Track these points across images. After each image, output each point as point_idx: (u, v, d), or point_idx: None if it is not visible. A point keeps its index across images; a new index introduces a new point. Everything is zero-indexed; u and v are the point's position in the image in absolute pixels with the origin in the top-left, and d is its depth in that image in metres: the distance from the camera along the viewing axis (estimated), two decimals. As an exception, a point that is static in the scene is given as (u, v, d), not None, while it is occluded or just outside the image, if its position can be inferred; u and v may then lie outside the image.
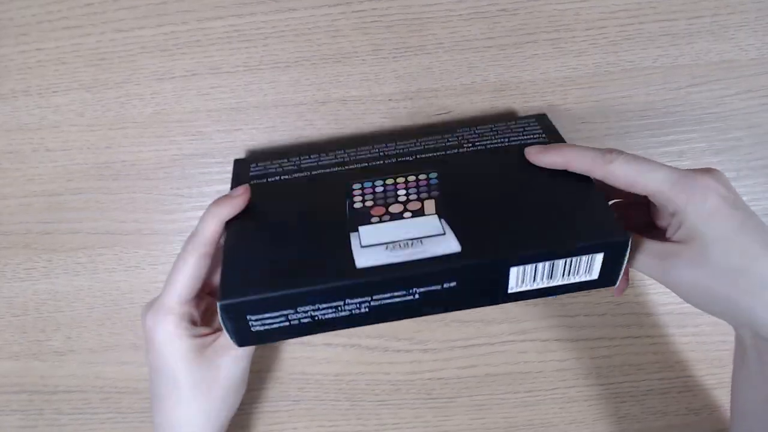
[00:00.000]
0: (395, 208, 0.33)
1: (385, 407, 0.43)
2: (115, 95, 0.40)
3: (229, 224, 0.33)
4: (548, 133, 0.36)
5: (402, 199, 0.33)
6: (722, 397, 0.43)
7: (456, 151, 0.36)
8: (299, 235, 0.32)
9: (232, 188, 0.35)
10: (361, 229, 0.32)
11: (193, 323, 0.33)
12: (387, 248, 0.31)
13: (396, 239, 0.31)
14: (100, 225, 0.41)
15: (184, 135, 0.40)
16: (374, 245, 0.31)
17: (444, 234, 0.31)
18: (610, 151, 0.31)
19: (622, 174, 0.30)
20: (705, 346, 0.43)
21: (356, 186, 0.34)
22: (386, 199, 0.33)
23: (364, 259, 0.30)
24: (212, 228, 0.32)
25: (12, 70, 0.40)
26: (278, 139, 0.40)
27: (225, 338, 0.32)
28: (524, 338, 0.42)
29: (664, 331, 0.42)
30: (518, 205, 0.32)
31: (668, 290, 0.42)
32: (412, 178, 0.34)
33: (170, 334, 0.32)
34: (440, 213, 0.32)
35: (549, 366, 0.43)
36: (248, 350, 0.34)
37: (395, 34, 0.39)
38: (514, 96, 0.40)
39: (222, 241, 0.33)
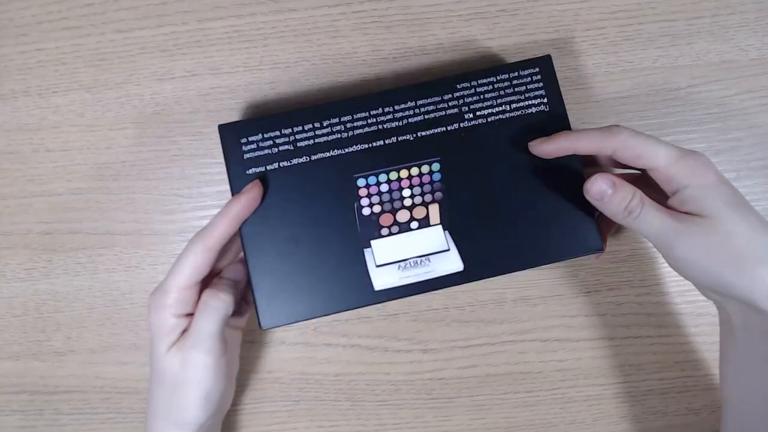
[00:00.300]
0: (402, 216, 0.35)
1: (385, 407, 0.43)
2: (115, 95, 0.40)
3: (247, 233, 0.34)
4: (549, 92, 0.35)
5: (408, 203, 0.35)
6: (722, 397, 0.43)
7: (456, 125, 0.35)
8: (316, 252, 0.34)
9: (226, 163, 0.34)
10: (373, 244, 0.34)
11: (186, 308, 0.34)
12: (399, 268, 0.34)
13: (407, 257, 0.35)
14: (100, 225, 0.41)
15: (184, 135, 0.40)
16: (388, 264, 0.34)
17: (448, 250, 0.34)
18: (615, 126, 0.32)
19: (630, 146, 0.31)
20: (705, 346, 0.43)
21: (361, 182, 0.35)
22: (392, 202, 0.35)
23: (380, 281, 0.34)
24: (223, 228, 0.33)
25: (12, 71, 0.40)
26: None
27: (193, 335, 0.33)
28: (524, 338, 0.42)
29: (664, 331, 0.42)
30: (514, 212, 0.35)
31: (669, 291, 0.42)
32: (415, 171, 0.35)
33: (160, 313, 0.33)
34: (444, 222, 0.35)
35: (549, 366, 0.43)
36: (214, 360, 0.33)
37: (395, 35, 0.39)
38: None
39: (241, 248, 0.35)
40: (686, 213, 0.30)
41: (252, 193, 0.34)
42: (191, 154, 0.41)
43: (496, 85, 0.35)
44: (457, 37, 0.39)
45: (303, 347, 0.42)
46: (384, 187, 0.35)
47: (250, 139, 0.35)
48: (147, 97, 0.40)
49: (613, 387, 0.43)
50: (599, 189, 0.31)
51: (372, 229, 0.35)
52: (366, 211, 0.34)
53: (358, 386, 0.43)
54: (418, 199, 0.35)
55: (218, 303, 0.33)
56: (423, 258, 0.34)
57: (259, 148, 0.35)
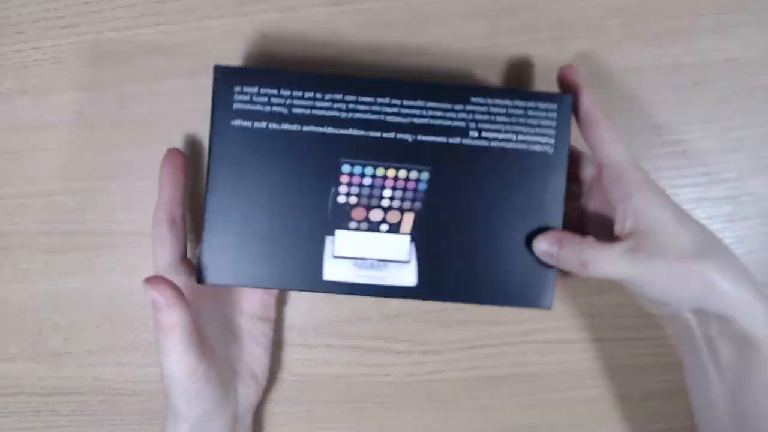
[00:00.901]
0: (375, 215, 0.34)
1: (385, 409, 0.43)
2: (113, 94, 0.40)
3: (214, 185, 0.33)
4: (560, 134, 0.34)
5: (385, 203, 0.34)
6: (725, 398, 0.43)
7: (459, 141, 0.34)
8: (278, 224, 0.33)
9: (212, 108, 0.33)
10: (337, 234, 0.33)
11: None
12: (355, 264, 0.33)
13: (365, 257, 0.33)
14: (98, 225, 0.41)
15: (184, 135, 0.40)
16: (345, 258, 0.33)
17: (408, 262, 0.33)
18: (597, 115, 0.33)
19: (605, 129, 0.32)
20: (708, 348, 0.43)
21: (346, 168, 0.33)
22: (370, 198, 0.34)
23: (332, 271, 0.33)
24: (165, 194, 0.35)
25: (8, 69, 0.39)
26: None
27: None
28: (525, 340, 0.42)
29: (665, 332, 0.42)
30: (483, 246, 0.34)
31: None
32: (403, 174, 0.34)
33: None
34: (414, 234, 0.34)
35: (550, 368, 0.43)
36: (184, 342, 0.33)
37: (395, 35, 0.39)
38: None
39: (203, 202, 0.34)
40: (632, 235, 0.31)
41: (172, 159, 0.35)
42: (191, 155, 0.40)
43: (509, 110, 0.34)
44: (457, 37, 0.39)
45: (303, 349, 0.42)
46: (367, 181, 0.34)
47: (245, 89, 0.33)
48: (145, 96, 0.40)
49: (614, 389, 0.43)
50: (544, 249, 0.32)
51: (341, 219, 0.33)
52: (341, 199, 0.33)
53: (358, 388, 0.43)
54: (396, 203, 0.34)
55: (172, 325, 0.32)
56: (381, 262, 0.33)
57: (251, 102, 0.33)
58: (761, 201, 0.41)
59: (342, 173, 0.33)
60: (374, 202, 0.34)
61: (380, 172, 0.33)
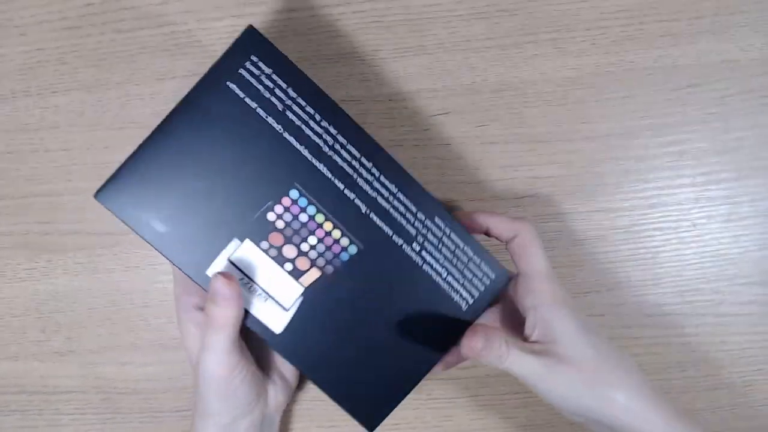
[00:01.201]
0: (288, 251, 0.33)
1: (385, 408, 0.43)
2: (115, 95, 0.40)
3: (174, 122, 0.31)
4: (480, 300, 0.35)
5: (304, 248, 0.33)
6: (722, 397, 0.43)
7: (401, 243, 0.33)
8: (203, 197, 0.32)
9: (223, 54, 0.32)
10: (246, 242, 0.32)
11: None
12: (241, 279, 0.32)
13: (255, 280, 0.32)
14: (100, 225, 0.41)
15: (184, 135, 0.40)
16: (236, 267, 0.32)
17: (286, 310, 0.33)
18: (525, 219, 0.35)
19: (528, 240, 0.34)
20: (705, 347, 0.43)
21: (293, 194, 0.32)
22: (295, 234, 0.33)
23: (216, 271, 0.32)
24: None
25: (12, 71, 0.40)
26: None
27: (204, 344, 0.33)
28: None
29: (664, 331, 0.42)
30: (357, 344, 0.34)
31: (668, 291, 0.42)
32: (336, 234, 0.33)
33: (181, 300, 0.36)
34: (308, 291, 0.33)
35: (549, 366, 0.43)
36: (225, 371, 0.33)
37: (395, 34, 0.39)
38: (515, 96, 0.40)
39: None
40: (539, 342, 0.33)
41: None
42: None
43: (457, 251, 0.34)
44: (457, 37, 0.39)
45: (303, 347, 0.42)
46: (303, 217, 0.32)
47: (260, 64, 0.31)
48: (147, 96, 0.40)
49: (614, 387, 0.43)
50: (478, 346, 0.32)
51: (258, 233, 0.32)
52: (271, 217, 0.32)
53: (358, 386, 0.43)
54: (313, 254, 0.33)
55: (225, 318, 0.32)
56: (264, 294, 0.33)
57: (257, 79, 0.32)
58: (758, 201, 0.41)
59: (287, 195, 0.32)
60: (296, 239, 0.32)
61: (319, 218, 0.33)
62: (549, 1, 0.39)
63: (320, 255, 0.33)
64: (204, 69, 0.39)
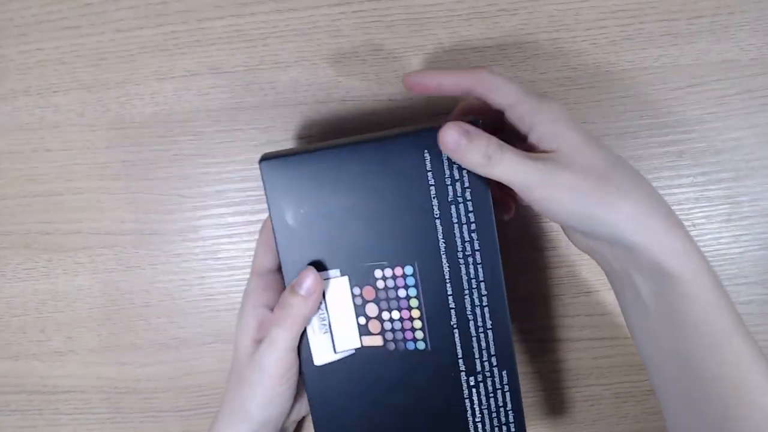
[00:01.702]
0: (370, 309, 0.33)
1: (385, 407, 0.43)
2: (115, 95, 0.40)
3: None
4: None
5: (385, 316, 0.33)
6: (722, 397, 0.43)
7: (462, 370, 0.34)
8: (344, 221, 0.33)
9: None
10: (344, 278, 0.33)
11: (267, 299, 0.35)
12: (319, 305, 0.33)
13: (328, 310, 0.33)
14: (100, 225, 0.41)
15: (184, 135, 0.40)
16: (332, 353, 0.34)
17: (334, 353, 0.33)
18: (480, 66, 0.31)
19: (487, 79, 0.31)
20: (705, 347, 0.43)
21: (408, 269, 0.33)
22: (384, 300, 0.33)
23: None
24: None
25: (12, 70, 0.40)
26: (277, 139, 0.40)
27: (267, 341, 0.33)
28: (524, 338, 0.42)
29: (664, 331, 0.42)
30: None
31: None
32: (417, 324, 0.33)
33: (244, 301, 0.35)
34: (362, 350, 0.33)
35: (549, 366, 0.43)
36: (281, 371, 0.33)
37: (395, 34, 0.39)
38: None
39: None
40: (543, 151, 0.29)
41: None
42: (191, 154, 0.40)
43: (500, 409, 0.34)
44: (457, 37, 0.39)
45: (303, 347, 0.42)
46: (401, 292, 0.33)
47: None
48: (147, 96, 0.40)
49: (614, 387, 0.43)
50: (453, 138, 0.29)
51: (359, 278, 0.33)
52: (377, 274, 0.33)
53: (358, 386, 0.43)
54: (387, 325, 0.33)
55: (298, 314, 0.32)
56: (327, 328, 0.33)
57: (449, 163, 0.32)
58: (758, 201, 0.41)
59: (402, 266, 0.33)
60: (383, 304, 0.33)
61: (414, 302, 0.33)
62: (549, 1, 0.39)
63: (393, 330, 0.33)
64: (204, 69, 0.39)
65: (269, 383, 0.33)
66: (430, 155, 0.32)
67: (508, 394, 0.34)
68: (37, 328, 0.42)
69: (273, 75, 0.40)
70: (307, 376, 0.33)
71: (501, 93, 0.31)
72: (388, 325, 0.33)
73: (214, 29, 0.39)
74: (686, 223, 0.41)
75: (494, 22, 0.39)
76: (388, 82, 0.40)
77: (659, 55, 0.40)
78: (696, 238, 0.41)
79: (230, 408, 0.34)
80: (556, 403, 0.43)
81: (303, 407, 0.37)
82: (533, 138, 0.30)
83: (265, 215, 0.38)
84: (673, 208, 0.41)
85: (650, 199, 0.29)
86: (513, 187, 0.29)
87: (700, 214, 0.41)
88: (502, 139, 0.30)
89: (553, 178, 0.28)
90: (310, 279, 0.32)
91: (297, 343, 0.33)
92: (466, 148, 0.29)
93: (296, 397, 0.36)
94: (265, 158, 0.32)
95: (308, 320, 0.32)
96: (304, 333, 0.33)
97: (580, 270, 0.42)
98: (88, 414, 0.43)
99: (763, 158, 0.41)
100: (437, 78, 0.32)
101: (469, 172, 0.32)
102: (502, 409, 0.34)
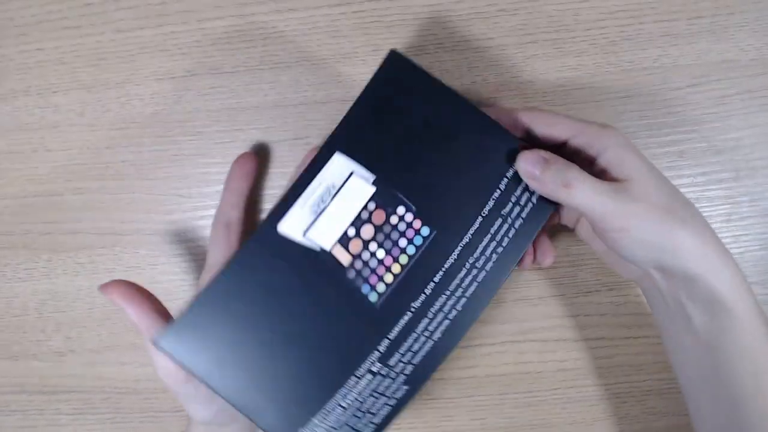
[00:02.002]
0: (365, 232, 0.32)
1: (385, 407, 0.43)
2: (115, 95, 0.40)
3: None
4: None
5: (377, 237, 0.32)
6: (722, 397, 0.43)
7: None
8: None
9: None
10: (337, 156, 0.31)
11: None
12: (325, 191, 0.31)
13: (335, 198, 0.31)
14: (100, 225, 0.41)
15: (184, 135, 0.40)
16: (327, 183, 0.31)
17: (303, 235, 0.31)
18: (530, 107, 0.33)
19: (546, 117, 0.32)
20: (705, 347, 0.43)
21: (400, 209, 0.32)
22: (384, 226, 0.32)
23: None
24: (226, 197, 0.36)
25: (12, 70, 0.40)
26: (277, 139, 0.40)
27: None
28: (524, 339, 0.42)
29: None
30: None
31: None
32: (412, 230, 0.32)
33: None
34: (328, 253, 0.31)
35: (549, 366, 0.43)
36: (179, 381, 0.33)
37: (395, 34, 0.39)
38: (515, 96, 0.40)
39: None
40: (614, 178, 0.30)
41: (241, 166, 0.36)
42: (191, 154, 0.41)
43: None
44: (457, 37, 0.39)
45: (303, 347, 0.42)
46: (399, 224, 0.32)
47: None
48: (147, 97, 0.40)
49: (613, 387, 0.43)
50: (530, 166, 0.30)
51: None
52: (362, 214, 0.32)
53: (358, 386, 0.43)
54: (373, 245, 0.32)
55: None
56: (320, 210, 0.31)
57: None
58: (758, 201, 0.41)
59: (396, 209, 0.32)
60: (385, 229, 0.32)
61: (409, 217, 0.32)
62: (549, 1, 0.39)
63: (366, 263, 0.31)
64: (204, 69, 0.39)
65: (172, 389, 0.33)
66: (512, 170, 0.32)
67: (387, 407, 0.32)
68: (37, 328, 0.42)
69: (273, 75, 0.40)
70: (257, 235, 0.31)
71: (561, 126, 0.32)
72: (366, 255, 0.31)
73: (214, 29, 0.39)
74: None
75: (494, 22, 0.39)
76: (388, 82, 0.40)
77: (659, 55, 0.40)
78: (696, 238, 0.41)
79: (188, 414, 0.36)
80: (556, 403, 0.43)
81: None
82: (603, 162, 0.31)
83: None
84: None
85: (706, 229, 0.31)
86: (586, 215, 0.30)
87: (700, 214, 0.41)
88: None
89: (627, 209, 0.29)
90: (117, 295, 0.32)
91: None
92: (542, 178, 0.30)
93: None
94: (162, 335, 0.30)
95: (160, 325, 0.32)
96: (293, 200, 0.31)
97: (580, 270, 0.42)
98: (89, 414, 0.43)
99: (763, 158, 0.41)
100: (495, 114, 0.33)
101: (535, 204, 0.32)
102: (371, 414, 0.32)
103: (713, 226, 0.41)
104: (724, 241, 0.41)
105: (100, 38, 0.39)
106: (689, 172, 0.41)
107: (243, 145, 0.40)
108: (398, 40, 0.39)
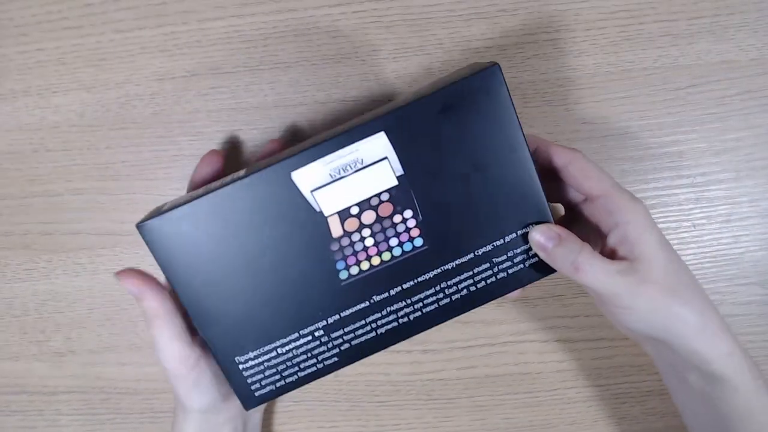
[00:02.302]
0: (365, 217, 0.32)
1: (385, 408, 0.43)
2: (115, 95, 0.40)
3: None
4: None
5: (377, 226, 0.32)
6: (723, 397, 0.43)
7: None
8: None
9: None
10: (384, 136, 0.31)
11: None
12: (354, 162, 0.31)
13: (356, 170, 0.31)
14: (100, 225, 0.41)
15: (184, 135, 0.40)
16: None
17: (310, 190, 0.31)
18: (573, 149, 0.33)
19: (583, 165, 0.32)
20: (705, 347, 0.43)
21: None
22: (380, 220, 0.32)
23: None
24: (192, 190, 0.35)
25: (12, 71, 0.40)
26: (278, 138, 0.40)
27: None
28: (524, 339, 0.42)
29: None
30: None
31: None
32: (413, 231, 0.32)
33: None
34: (335, 215, 0.31)
35: (549, 367, 0.43)
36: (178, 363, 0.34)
37: (395, 35, 0.39)
38: (514, 96, 0.40)
39: None
40: (623, 258, 0.31)
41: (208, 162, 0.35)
42: (191, 154, 0.41)
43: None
44: (457, 37, 0.39)
45: (303, 347, 0.42)
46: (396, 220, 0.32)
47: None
48: (147, 97, 0.40)
49: (614, 388, 0.43)
50: (543, 240, 0.31)
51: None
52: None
53: (357, 387, 0.43)
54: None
55: (153, 315, 0.33)
56: (353, 173, 0.31)
57: None
58: (758, 201, 0.41)
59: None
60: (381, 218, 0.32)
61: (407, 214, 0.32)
62: (549, 1, 0.39)
63: (375, 238, 0.32)
64: (204, 69, 0.39)
65: (179, 375, 0.34)
66: (523, 230, 0.33)
67: (314, 368, 0.33)
68: (37, 329, 0.42)
69: (273, 75, 0.40)
70: (271, 170, 0.30)
71: (594, 182, 0.32)
72: (356, 237, 0.32)
73: (215, 30, 0.39)
74: (686, 224, 0.41)
75: (494, 22, 0.39)
76: (388, 82, 0.40)
77: (659, 55, 0.40)
78: (696, 239, 0.41)
79: (178, 405, 0.36)
80: (556, 403, 0.43)
81: None
82: (619, 234, 0.31)
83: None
84: (673, 208, 0.41)
85: (706, 305, 0.32)
86: (593, 293, 0.32)
87: (700, 215, 0.41)
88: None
89: (634, 290, 0.30)
90: (127, 284, 0.32)
91: (176, 334, 0.33)
92: (555, 253, 0.31)
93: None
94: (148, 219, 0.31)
95: (163, 310, 0.33)
96: (318, 156, 0.30)
97: (580, 270, 0.42)
98: (89, 414, 0.43)
99: (763, 158, 0.41)
100: (534, 142, 0.33)
101: (525, 268, 0.33)
102: (298, 368, 0.33)
103: (713, 226, 0.41)
104: (724, 241, 0.41)
105: (100, 38, 0.39)
106: (689, 172, 0.41)
107: (243, 145, 0.40)
108: (398, 40, 0.39)
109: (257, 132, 0.40)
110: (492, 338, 0.42)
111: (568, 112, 0.40)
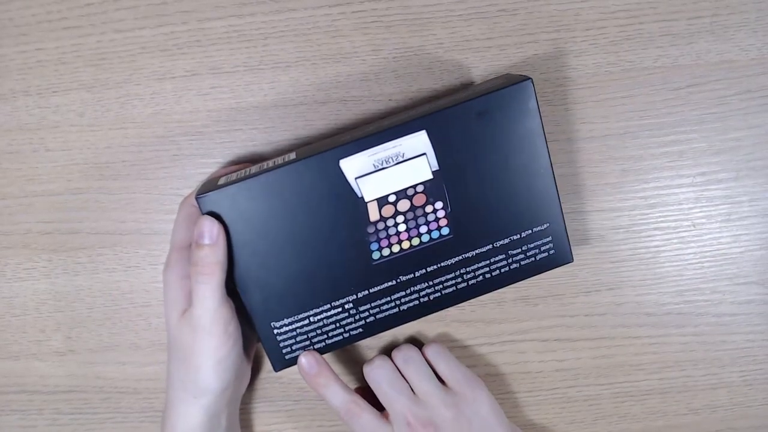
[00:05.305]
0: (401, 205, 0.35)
1: (385, 407, 0.43)
2: (115, 95, 0.40)
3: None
4: None
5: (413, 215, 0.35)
6: (722, 397, 0.43)
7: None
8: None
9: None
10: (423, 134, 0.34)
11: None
12: (392, 156, 0.34)
13: (394, 163, 0.34)
14: (100, 225, 0.41)
15: (184, 135, 0.40)
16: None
17: (356, 178, 0.34)
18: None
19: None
20: (705, 346, 0.43)
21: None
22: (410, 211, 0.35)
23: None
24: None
25: (12, 70, 0.40)
26: (277, 139, 0.40)
27: (196, 304, 0.34)
28: (524, 338, 0.42)
29: (664, 331, 0.42)
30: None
31: (668, 291, 0.42)
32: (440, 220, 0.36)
33: (166, 275, 0.36)
34: (375, 200, 0.35)
35: (549, 366, 0.43)
36: (221, 327, 0.34)
37: (395, 34, 0.39)
38: (514, 96, 0.40)
39: None
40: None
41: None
42: (191, 154, 0.41)
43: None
44: (457, 37, 0.39)
45: (303, 347, 0.42)
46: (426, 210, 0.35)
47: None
48: (147, 96, 0.40)
49: (613, 387, 0.43)
50: (303, 364, 0.36)
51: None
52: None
53: (358, 386, 0.43)
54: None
55: (212, 263, 0.33)
56: (395, 162, 0.34)
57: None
58: (758, 201, 0.41)
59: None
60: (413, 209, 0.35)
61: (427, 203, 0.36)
62: (549, 1, 0.39)
63: (405, 220, 0.35)
64: (204, 69, 0.39)
65: (215, 344, 0.33)
66: (537, 228, 0.37)
67: (340, 336, 0.37)
68: (37, 328, 0.42)
69: (273, 75, 0.40)
70: (322, 157, 0.33)
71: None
72: (390, 222, 0.35)
73: (215, 29, 0.39)
74: (686, 223, 0.41)
75: (494, 22, 0.39)
76: (388, 82, 0.40)
77: (659, 55, 0.40)
78: (696, 238, 0.41)
79: (181, 387, 0.35)
80: (556, 403, 0.43)
81: (247, 375, 0.39)
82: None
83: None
84: (673, 207, 0.41)
85: None
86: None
87: (700, 214, 0.41)
88: None
89: None
90: (207, 226, 0.32)
91: (224, 293, 0.33)
92: (311, 379, 0.36)
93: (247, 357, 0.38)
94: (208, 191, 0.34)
95: (224, 265, 0.33)
96: (365, 147, 0.34)
97: (580, 270, 0.42)
98: (88, 414, 0.43)
99: (763, 158, 0.41)
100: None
101: (536, 261, 0.37)
102: (326, 336, 0.37)
103: (713, 225, 0.41)
104: (723, 240, 0.41)
105: (100, 38, 0.39)
106: (689, 172, 0.41)
107: (243, 145, 0.40)
108: (398, 40, 0.39)
109: (257, 132, 0.40)
110: (492, 337, 0.43)
111: (568, 112, 0.40)
